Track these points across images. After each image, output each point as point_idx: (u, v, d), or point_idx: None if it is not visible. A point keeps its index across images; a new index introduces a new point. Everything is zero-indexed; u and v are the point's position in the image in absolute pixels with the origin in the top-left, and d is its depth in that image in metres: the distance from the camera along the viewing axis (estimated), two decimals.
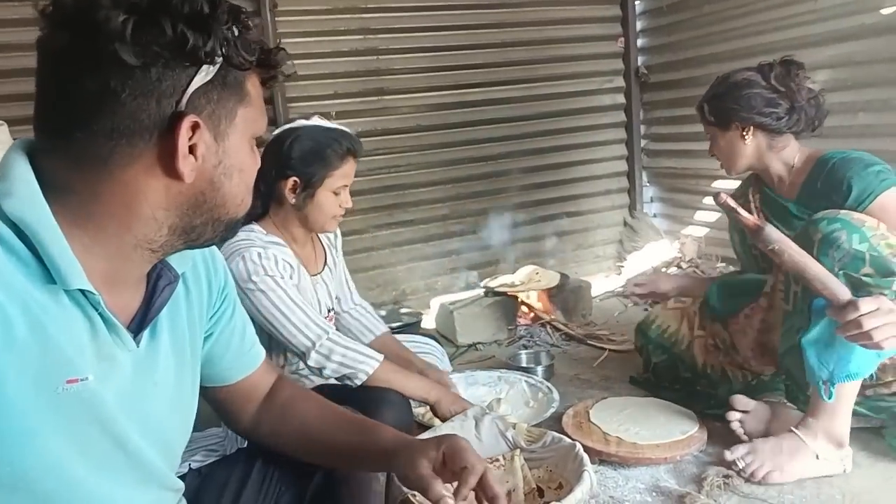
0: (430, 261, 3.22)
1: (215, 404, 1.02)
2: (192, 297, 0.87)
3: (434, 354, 2.13)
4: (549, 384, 2.01)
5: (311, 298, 1.71)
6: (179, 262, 0.80)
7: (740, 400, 1.65)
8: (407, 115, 3.07)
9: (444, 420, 1.64)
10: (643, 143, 3.61)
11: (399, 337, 2.09)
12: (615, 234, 3.64)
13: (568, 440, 1.49)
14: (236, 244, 1.59)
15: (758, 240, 1.37)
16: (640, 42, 3.51)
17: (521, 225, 3.37)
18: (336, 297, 1.88)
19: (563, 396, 1.99)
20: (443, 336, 2.81)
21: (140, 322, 0.75)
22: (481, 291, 2.90)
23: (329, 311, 1.82)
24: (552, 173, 3.43)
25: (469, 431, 1.60)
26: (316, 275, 1.78)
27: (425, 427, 1.70)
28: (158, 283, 0.77)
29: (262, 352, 1.06)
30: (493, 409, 1.90)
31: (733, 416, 1.63)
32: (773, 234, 1.35)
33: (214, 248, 0.92)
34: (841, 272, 1.38)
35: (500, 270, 3.28)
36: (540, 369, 2.21)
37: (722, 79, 1.73)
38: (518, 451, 1.53)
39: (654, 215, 3.68)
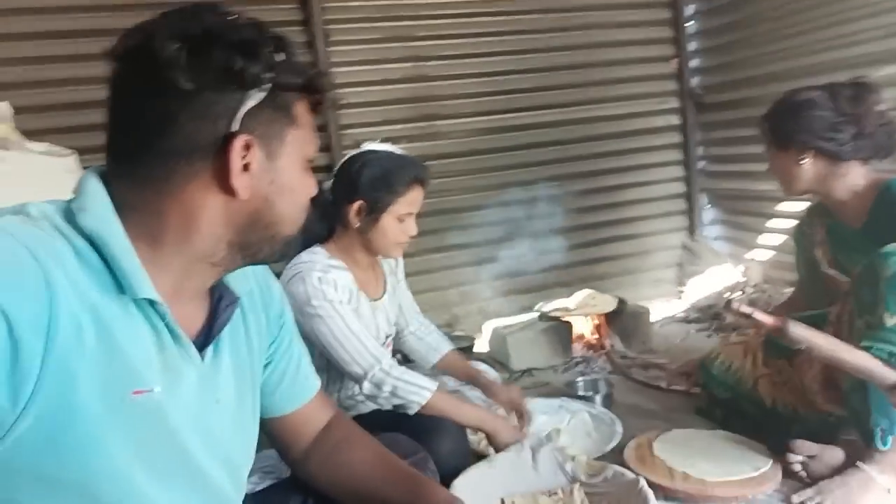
0: (483, 284, 3.17)
1: (268, 435, 1.01)
2: (250, 322, 0.88)
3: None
4: (612, 414, 1.93)
5: (369, 324, 1.71)
6: (239, 285, 0.83)
7: (802, 445, 1.53)
8: (458, 139, 3.07)
9: (499, 450, 1.59)
10: (701, 164, 3.49)
11: None
12: (674, 258, 3.52)
13: (631, 475, 1.42)
14: (298, 266, 1.60)
15: (783, 340, 1.33)
16: (694, 62, 3.42)
17: (575, 248, 3.30)
18: (395, 324, 1.88)
19: (625, 427, 1.91)
20: (496, 361, 2.76)
21: (206, 337, 0.78)
22: (535, 316, 2.83)
23: (388, 336, 1.81)
24: (606, 196, 3.36)
25: (526, 462, 1.54)
26: (376, 300, 1.78)
27: (481, 456, 1.65)
28: (221, 303, 0.80)
29: (317, 384, 1.06)
30: (552, 440, 1.83)
31: (794, 459, 1.52)
32: (799, 331, 1.30)
33: (271, 277, 0.96)
34: None
35: (554, 294, 3.21)
36: (598, 398, 2.13)
37: (786, 97, 1.64)
38: (578, 484, 1.47)
39: (716, 238, 3.55)
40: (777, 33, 2.90)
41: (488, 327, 2.92)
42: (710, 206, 3.53)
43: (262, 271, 0.94)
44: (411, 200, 1.64)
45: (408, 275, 3.03)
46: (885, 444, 1.37)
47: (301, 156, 0.78)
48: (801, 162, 1.57)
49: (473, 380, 1.95)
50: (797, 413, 1.73)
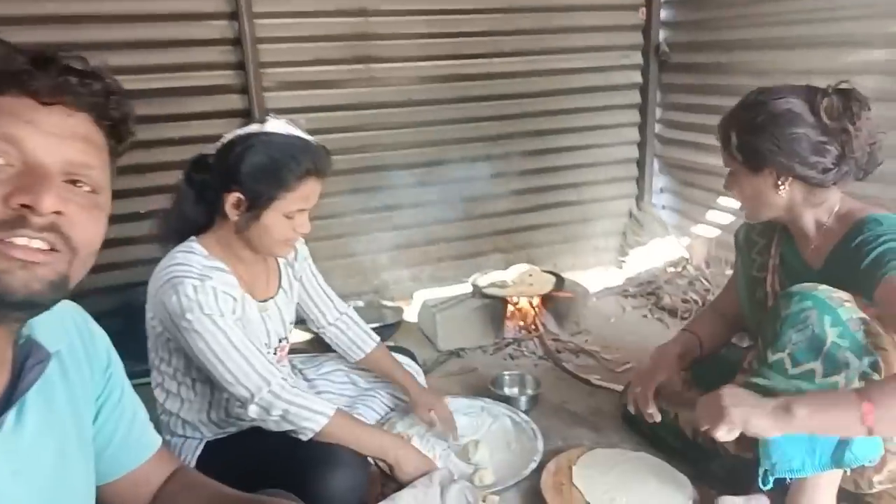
0: (417, 248, 2.95)
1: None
2: (74, 379, 0.81)
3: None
4: (534, 427, 1.81)
5: (258, 330, 1.50)
6: (52, 340, 0.77)
7: (725, 501, 1.44)
8: (397, 86, 2.72)
9: (405, 482, 1.44)
10: (657, 128, 3.28)
11: None
12: (619, 226, 3.37)
13: None
14: (170, 270, 1.37)
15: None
16: (663, 14, 3.12)
17: (517, 213, 3.10)
18: (290, 323, 1.66)
19: (548, 432, 1.82)
20: (424, 336, 2.60)
21: (6, 402, 0.71)
22: (469, 289, 2.66)
23: (280, 340, 1.61)
24: (555, 157, 3.12)
25: (434, 499, 1.40)
26: (266, 300, 1.55)
27: (389, 477, 1.50)
28: (27, 363, 0.73)
29: (156, 441, 0.98)
30: (470, 454, 1.71)
31: None
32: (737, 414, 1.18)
33: (93, 325, 0.88)
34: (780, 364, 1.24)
35: (492, 262, 3.03)
36: (523, 400, 2.00)
37: (757, 103, 1.35)
38: None
39: (663, 207, 3.40)
40: None
41: (420, 295, 2.74)
42: (660, 173, 3.35)
43: (82, 321, 0.86)
44: (303, 195, 1.39)
45: (334, 237, 2.81)
46: (765, 484, 1.29)
47: None
48: (780, 189, 1.35)
49: (396, 381, 1.80)
50: (715, 449, 1.57)
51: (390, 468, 1.46)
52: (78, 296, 0.76)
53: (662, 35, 3.13)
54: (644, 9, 3.08)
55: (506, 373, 2.17)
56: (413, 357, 2.01)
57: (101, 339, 0.89)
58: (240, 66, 2.45)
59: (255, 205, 1.36)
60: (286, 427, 1.37)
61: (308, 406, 1.37)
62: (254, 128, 1.41)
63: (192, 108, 2.45)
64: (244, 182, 1.35)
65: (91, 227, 0.70)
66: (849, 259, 1.27)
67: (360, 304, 2.70)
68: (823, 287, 1.23)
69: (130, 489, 0.93)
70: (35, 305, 0.68)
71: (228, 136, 1.42)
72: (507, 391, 2.09)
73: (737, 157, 1.38)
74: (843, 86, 1.31)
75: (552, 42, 2.93)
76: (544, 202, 3.16)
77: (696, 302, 2.83)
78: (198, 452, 1.51)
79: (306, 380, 1.85)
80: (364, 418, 1.79)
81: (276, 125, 1.41)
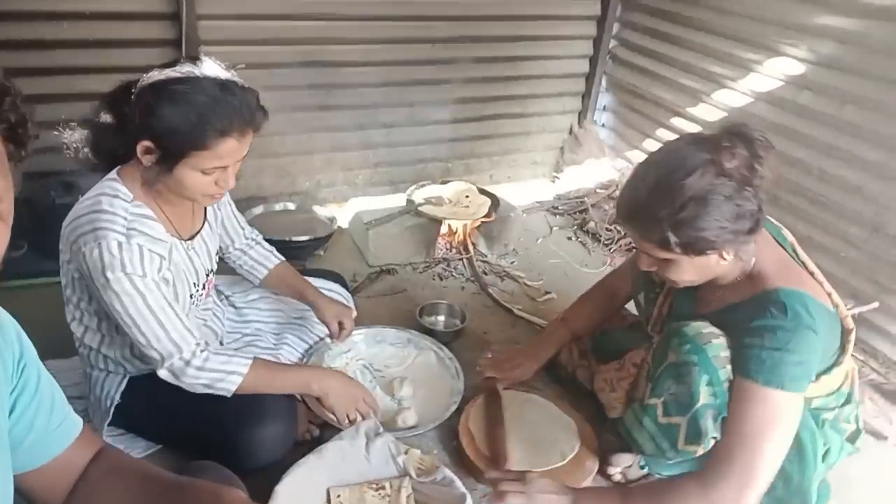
0: (354, 152, 2.85)
1: (20, 494, 0.85)
2: None
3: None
4: (457, 365, 1.90)
5: (185, 273, 1.47)
6: None
7: (619, 458, 1.60)
8: None
9: (335, 413, 1.54)
10: (612, 44, 3.18)
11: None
12: (558, 141, 3.37)
13: (459, 487, 1.44)
14: (95, 219, 1.28)
15: None
16: None
17: (460, 122, 3.02)
18: (216, 255, 1.64)
19: (470, 365, 1.89)
20: (356, 246, 2.61)
21: None
22: (403, 203, 2.64)
23: (209, 273, 1.59)
24: (504, 67, 2.99)
25: (359, 450, 1.52)
26: (193, 237, 1.51)
27: (315, 413, 1.59)
28: None
29: (78, 424, 0.96)
30: (395, 391, 1.81)
31: (613, 472, 1.61)
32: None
33: (2, 316, 0.83)
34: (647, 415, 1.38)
35: (429, 170, 2.99)
36: (449, 334, 2.11)
37: (672, 188, 1.19)
38: (407, 479, 1.48)
39: (602, 125, 3.41)
40: None
41: (355, 203, 2.70)
42: (606, 92, 3.31)
43: None
44: (221, 153, 1.28)
45: (268, 134, 2.63)
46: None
47: None
48: (724, 260, 1.27)
49: (301, 296, 1.77)
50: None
51: (318, 400, 1.53)
52: None
53: None
54: None
55: (434, 302, 2.25)
56: (343, 281, 2.02)
57: (9, 327, 0.84)
58: None
59: (167, 158, 1.27)
60: (201, 390, 1.37)
61: (220, 369, 1.37)
62: (176, 71, 1.26)
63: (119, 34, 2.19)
64: (154, 132, 1.24)
65: None
66: (738, 328, 1.27)
67: (291, 206, 2.65)
68: (719, 339, 1.28)
69: (52, 476, 0.91)
70: None
71: (151, 76, 1.27)
72: (433, 322, 2.18)
73: (675, 251, 1.25)
74: (739, 129, 1.23)
75: None
76: (488, 113, 3.08)
77: (618, 231, 2.96)
78: (121, 388, 1.50)
79: (234, 307, 1.85)
80: (293, 349, 1.84)
81: (207, 67, 1.27)
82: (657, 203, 1.21)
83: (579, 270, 2.70)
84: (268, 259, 1.78)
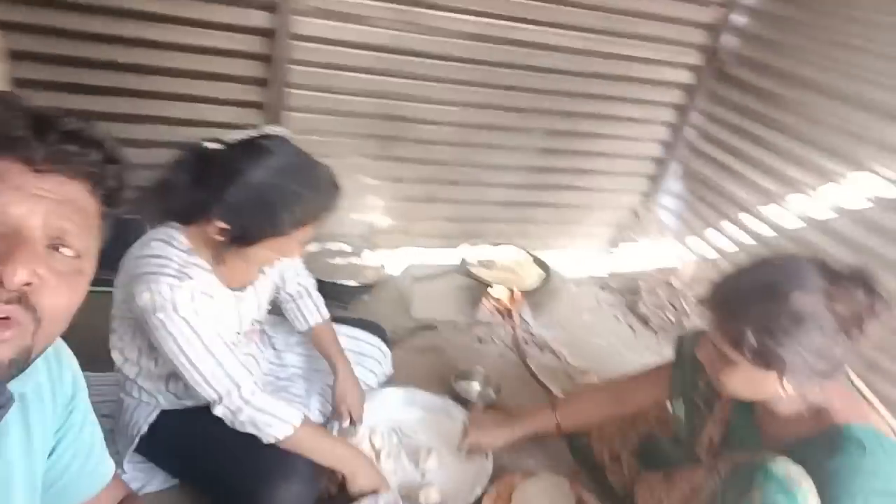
0: (414, 203, 2.89)
1: None
2: (33, 419, 0.78)
3: (375, 358, 1.98)
4: None
5: (230, 316, 1.49)
6: (19, 382, 0.69)
7: None
8: (440, 37, 2.50)
9: (353, 495, 1.53)
10: (691, 134, 3.14)
11: (344, 329, 1.90)
12: (618, 218, 3.33)
13: None
14: (147, 263, 1.31)
15: None
16: (735, 17, 2.88)
17: (525, 188, 3.03)
18: (268, 306, 1.67)
19: (496, 454, 1.82)
20: (400, 295, 2.63)
21: None
22: (454, 258, 2.66)
23: (254, 322, 1.63)
24: (578, 142, 3.00)
25: None
26: (244, 287, 1.53)
27: (339, 486, 1.57)
28: None
29: (110, 470, 0.95)
30: (421, 460, 1.78)
31: None
32: None
33: (64, 356, 0.84)
34: None
35: (487, 230, 3.00)
36: (481, 406, 2.09)
37: (777, 293, 1.15)
38: None
39: (666, 208, 3.35)
40: (844, 40, 2.41)
41: (407, 252, 2.73)
42: (676, 179, 3.27)
43: (54, 352, 0.82)
44: (297, 238, 1.32)
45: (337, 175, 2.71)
46: None
47: None
48: (783, 389, 1.20)
49: (331, 363, 1.77)
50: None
51: (343, 478, 1.54)
52: None
53: (728, 40, 2.91)
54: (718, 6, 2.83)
55: (470, 368, 2.23)
56: (384, 334, 2.03)
57: (68, 368, 0.85)
58: None
59: (243, 238, 1.30)
60: (251, 430, 1.39)
61: (276, 413, 1.39)
62: (257, 150, 1.26)
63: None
64: (229, 215, 1.26)
65: (65, 293, 0.66)
66: (809, 467, 1.16)
67: (347, 248, 2.70)
68: (808, 483, 1.14)
69: None
70: None
71: (235, 156, 1.27)
72: (467, 390, 2.16)
73: (745, 355, 1.18)
74: (867, 276, 1.18)
75: (611, 23, 2.70)
76: (552, 182, 3.08)
77: (670, 321, 2.89)
78: (150, 419, 1.53)
79: (274, 348, 1.87)
80: (325, 399, 1.85)
81: (287, 150, 1.30)
82: (755, 300, 1.17)
83: (623, 355, 2.65)
84: (312, 315, 1.78)
